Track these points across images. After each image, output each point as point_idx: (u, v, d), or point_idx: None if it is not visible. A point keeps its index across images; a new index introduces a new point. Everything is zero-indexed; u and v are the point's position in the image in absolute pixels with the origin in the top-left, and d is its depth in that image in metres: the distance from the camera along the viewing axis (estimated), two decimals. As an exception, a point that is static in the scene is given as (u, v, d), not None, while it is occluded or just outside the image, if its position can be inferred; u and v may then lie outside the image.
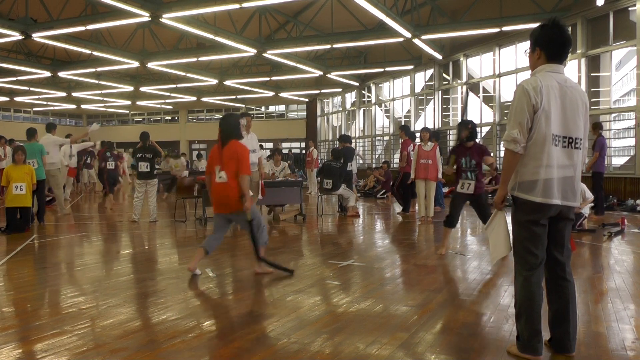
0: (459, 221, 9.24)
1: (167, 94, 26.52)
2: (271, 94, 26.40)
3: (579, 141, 2.88)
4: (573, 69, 12.71)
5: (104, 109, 33.89)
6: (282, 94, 26.82)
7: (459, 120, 17.58)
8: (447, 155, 6.30)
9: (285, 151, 23.87)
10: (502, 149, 16.07)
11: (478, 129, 16.94)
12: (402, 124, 17.56)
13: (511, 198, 2.99)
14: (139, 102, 29.70)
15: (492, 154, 6.04)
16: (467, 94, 17.35)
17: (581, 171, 2.96)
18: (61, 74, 20.18)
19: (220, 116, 31.39)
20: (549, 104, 2.79)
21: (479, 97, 17.02)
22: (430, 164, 9.25)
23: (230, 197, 4.86)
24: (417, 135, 9.97)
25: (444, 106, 18.78)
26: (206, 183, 5.15)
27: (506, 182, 2.95)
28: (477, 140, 6.01)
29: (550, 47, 2.89)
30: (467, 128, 5.84)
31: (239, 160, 4.85)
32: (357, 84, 23.57)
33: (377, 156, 23.15)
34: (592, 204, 9.28)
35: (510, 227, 3.11)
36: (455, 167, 5.99)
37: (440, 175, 9.56)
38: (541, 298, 2.90)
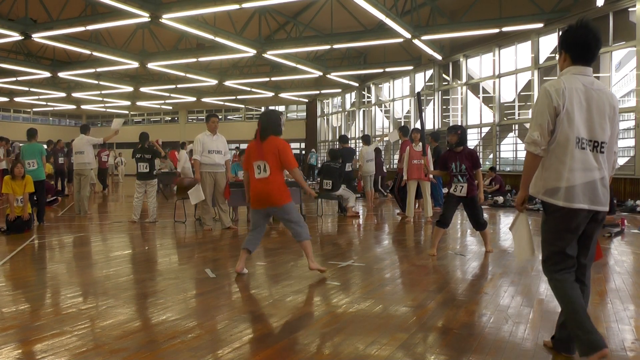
0: (460, 222, 9.31)
1: (167, 94, 26.51)
2: (271, 94, 26.40)
3: (604, 145, 2.79)
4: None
5: (104, 110, 33.87)
6: (282, 95, 26.82)
7: (459, 121, 17.60)
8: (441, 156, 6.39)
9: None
10: (502, 149, 16.16)
11: (478, 130, 17.00)
12: (402, 124, 17.58)
13: (540, 203, 2.91)
14: (138, 103, 29.69)
15: (481, 167, 6.15)
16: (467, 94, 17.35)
17: (609, 175, 2.85)
18: (61, 75, 20.19)
19: (222, 117, 31.05)
20: (572, 106, 2.72)
21: (478, 97, 17.03)
22: (423, 164, 9.24)
23: (271, 191, 4.88)
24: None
25: (444, 107, 18.79)
26: (244, 180, 5.17)
27: (526, 184, 2.89)
28: (467, 145, 6.12)
29: (573, 49, 2.81)
30: (456, 134, 5.95)
31: (282, 155, 4.88)
32: (356, 84, 23.57)
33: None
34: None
35: (531, 228, 3.07)
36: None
37: (430, 175, 9.52)
38: (580, 296, 2.80)
